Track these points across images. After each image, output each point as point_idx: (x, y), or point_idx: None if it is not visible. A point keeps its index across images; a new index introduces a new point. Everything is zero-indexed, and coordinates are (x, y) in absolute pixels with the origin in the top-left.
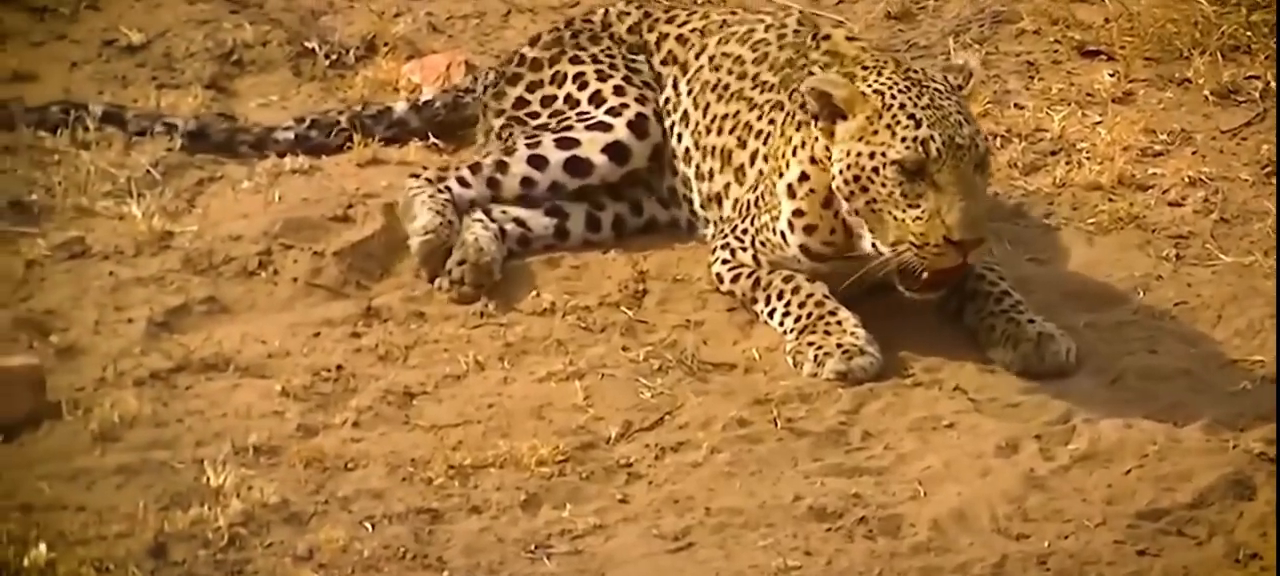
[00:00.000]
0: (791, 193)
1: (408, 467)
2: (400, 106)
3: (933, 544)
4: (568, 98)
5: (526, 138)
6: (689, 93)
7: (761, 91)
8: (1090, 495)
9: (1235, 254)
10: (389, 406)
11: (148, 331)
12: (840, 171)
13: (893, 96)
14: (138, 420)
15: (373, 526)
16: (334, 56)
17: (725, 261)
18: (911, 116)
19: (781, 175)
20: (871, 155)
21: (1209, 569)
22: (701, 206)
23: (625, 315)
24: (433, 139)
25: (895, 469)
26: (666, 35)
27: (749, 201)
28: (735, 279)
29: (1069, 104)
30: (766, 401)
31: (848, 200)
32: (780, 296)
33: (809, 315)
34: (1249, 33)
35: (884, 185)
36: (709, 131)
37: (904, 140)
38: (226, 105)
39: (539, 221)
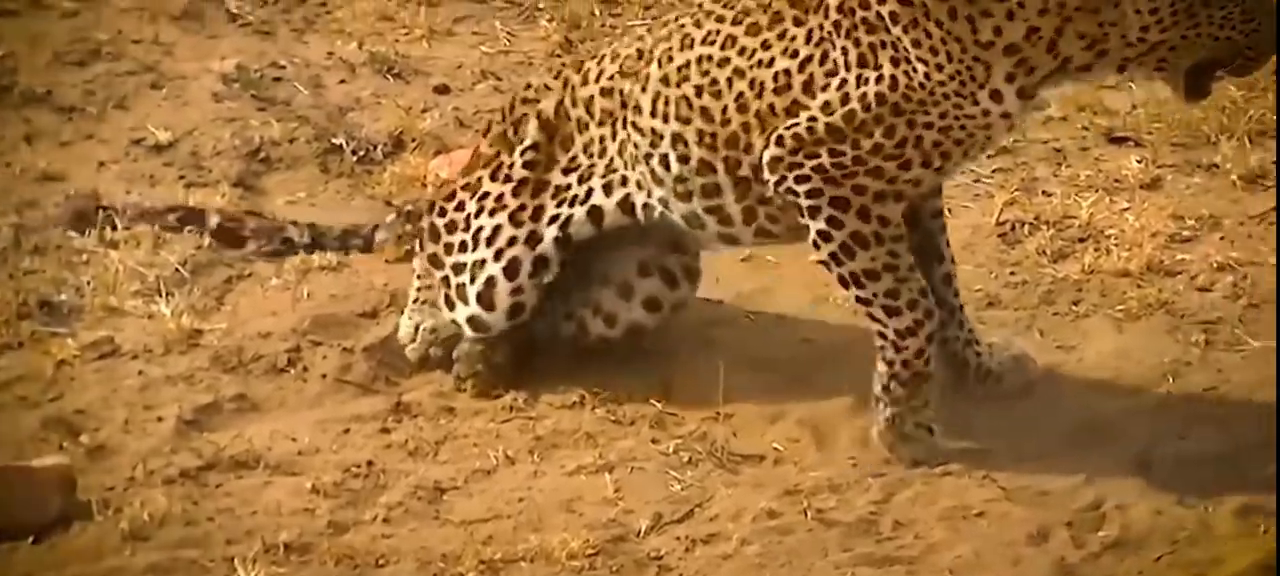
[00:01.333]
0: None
1: (439, 563)
2: None
3: None
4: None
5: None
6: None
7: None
8: None
9: (1264, 338)
10: (419, 502)
11: (177, 430)
12: (1156, 11)
13: None
14: (168, 519)
15: None
16: (361, 153)
17: (853, 241)
18: None
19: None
20: None
21: None
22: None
23: (654, 407)
24: None
25: (926, 558)
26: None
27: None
28: (853, 258)
29: (1097, 190)
30: (796, 492)
31: (1162, 40)
32: (909, 333)
33: (916, 376)
34: (1277, 117)
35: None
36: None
37: None
38: (254, 203)
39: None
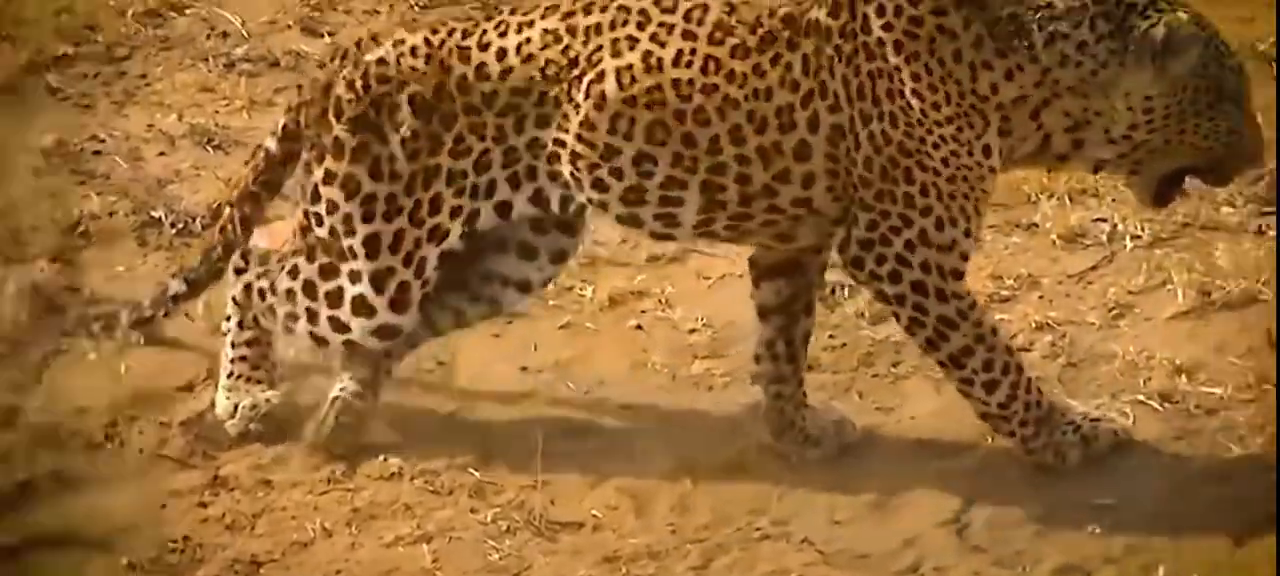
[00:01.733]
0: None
1: None
2: None
3: None
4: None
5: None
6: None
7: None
8: None
9: (1083, 398)
10: None
11: None
12: (1149, 113)
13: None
14: None
15: None
16: (180, 225)
17: (920, 311)
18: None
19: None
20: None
21: None
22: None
23: (472, 476)
24: None
25: None
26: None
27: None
28: (947, 336)
29: None
30: (615, 559)
31: (1145, 142)
32: (1006, 371)
33: (1038, 421)
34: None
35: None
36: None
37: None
38: (72, 277)
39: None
